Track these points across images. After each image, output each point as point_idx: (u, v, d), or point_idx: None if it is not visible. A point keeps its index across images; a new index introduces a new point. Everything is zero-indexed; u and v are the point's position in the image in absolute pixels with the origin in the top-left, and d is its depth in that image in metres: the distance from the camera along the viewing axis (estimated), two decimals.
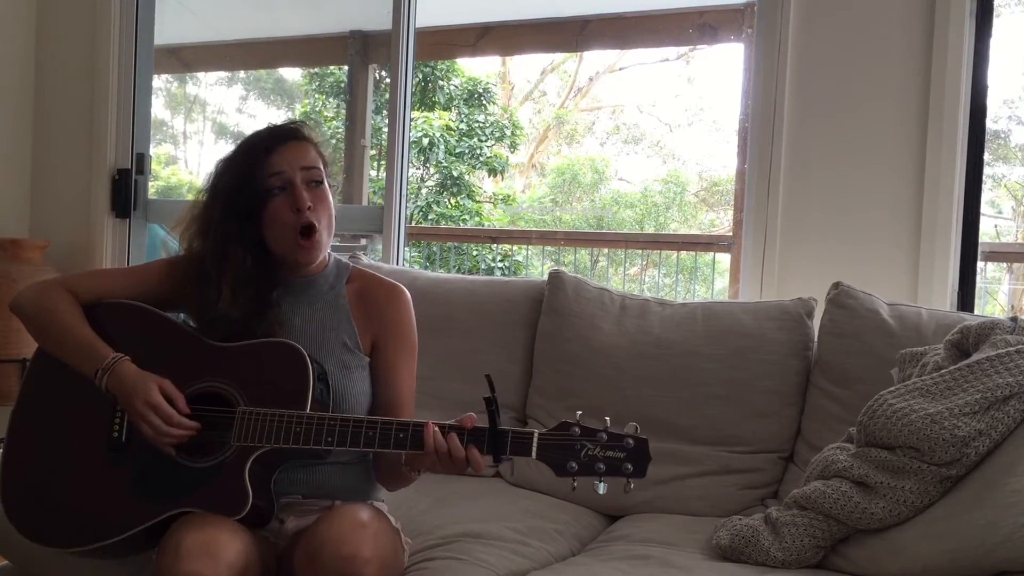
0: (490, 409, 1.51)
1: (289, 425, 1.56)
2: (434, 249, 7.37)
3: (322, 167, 1.73)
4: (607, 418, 1.50)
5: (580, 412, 1.51)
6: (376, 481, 1.79)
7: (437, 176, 8.57)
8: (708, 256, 7.23)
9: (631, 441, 1.47)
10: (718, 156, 9.64)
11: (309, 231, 1.68)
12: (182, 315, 1.80)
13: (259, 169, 1.68)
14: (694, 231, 9.25)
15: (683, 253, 6.63)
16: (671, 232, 9.02)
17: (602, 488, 1.48)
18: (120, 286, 1.78)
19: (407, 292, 1.82)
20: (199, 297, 1.71)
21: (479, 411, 2.38)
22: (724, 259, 6.18)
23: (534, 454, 1.48)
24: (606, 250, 7.28)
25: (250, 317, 1.68)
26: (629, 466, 1.46)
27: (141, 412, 1.59)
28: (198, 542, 1.47)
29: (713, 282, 7.43)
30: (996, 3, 2.48)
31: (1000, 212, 7.87)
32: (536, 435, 1.49)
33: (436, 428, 1.53)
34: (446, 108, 8.68)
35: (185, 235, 1.76)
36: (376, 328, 1.77)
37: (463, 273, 7.00)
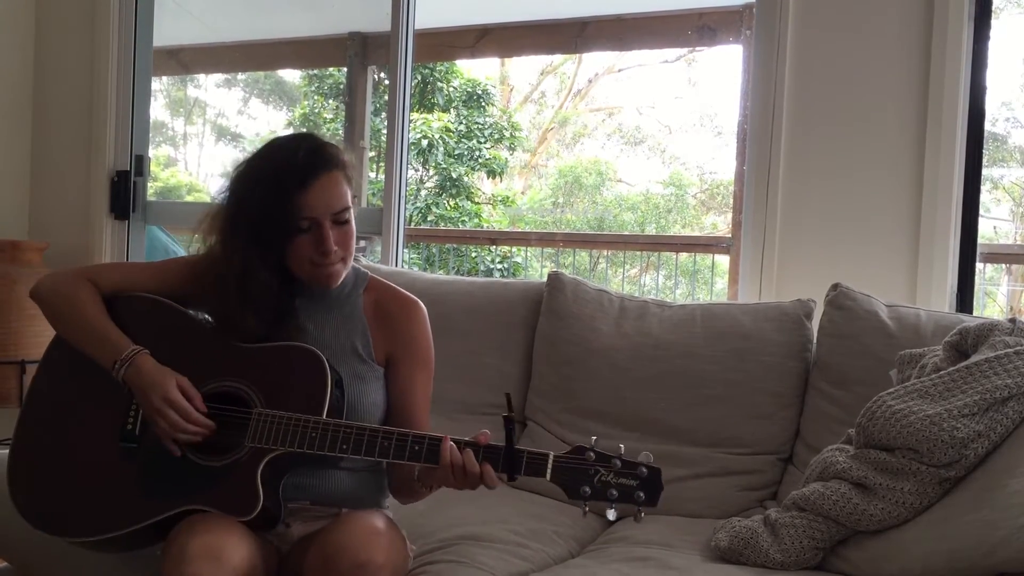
0: (508, 428, 1.52)
1: (305, 430, 1.56)
2: (433, 251, 7.36)
3: (350, 199, 1.68)
4: (621, 445, 1.52)
5: (595, 438, 1.53)
6: (390, 493, 1.79)
7: (436, 178, 8.57)
8: (708, 258, 7.23)
9: (645, 470, 1.48)
10: (719, 158, 9.65)
11: (330, 264, 1.66)
12: (202, 314, 1.79)
13: (289, 205, 1.61)
14: (695, 234, 9.25)
15: (682, 255, 6.63)
16: (671, 234, 9.02)
17: (612, 514, 1.49)
18: (141, 280, 1.78)
19: (423, 307, 1.81)
20: (219, 309, 1.70)
21: (479, 413, 2.39)
22: (724, 261, 6.18)
23: (548, 476, 1.49)
24: (606, 252, 7.28)
25: (270, 327, 1.68)
26: (641, 495, 1.47)
27: (158, 407, 1.58)
28: (204, 545, 1.47)
29: (712, 284, 7.43)
30: (995, 5, 2.48)
31: (989, 211, 7.88)
32: (551, 457, 1.50)
33: (452, 443, 1.53)
34: (445, 110, 8.68)
35: (205, 237, 1.73)
36: (392, 343, 1.77)
37: (462, 275, 7.00)
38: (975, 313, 2.47)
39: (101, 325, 1.68)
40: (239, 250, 1.66)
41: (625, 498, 1.47)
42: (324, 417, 1.58)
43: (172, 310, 1.75)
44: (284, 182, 1.62)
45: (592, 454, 1.49)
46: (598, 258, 7.60)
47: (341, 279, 1.71)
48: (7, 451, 1.76)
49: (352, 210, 1.69)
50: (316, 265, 1.66)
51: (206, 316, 1.77)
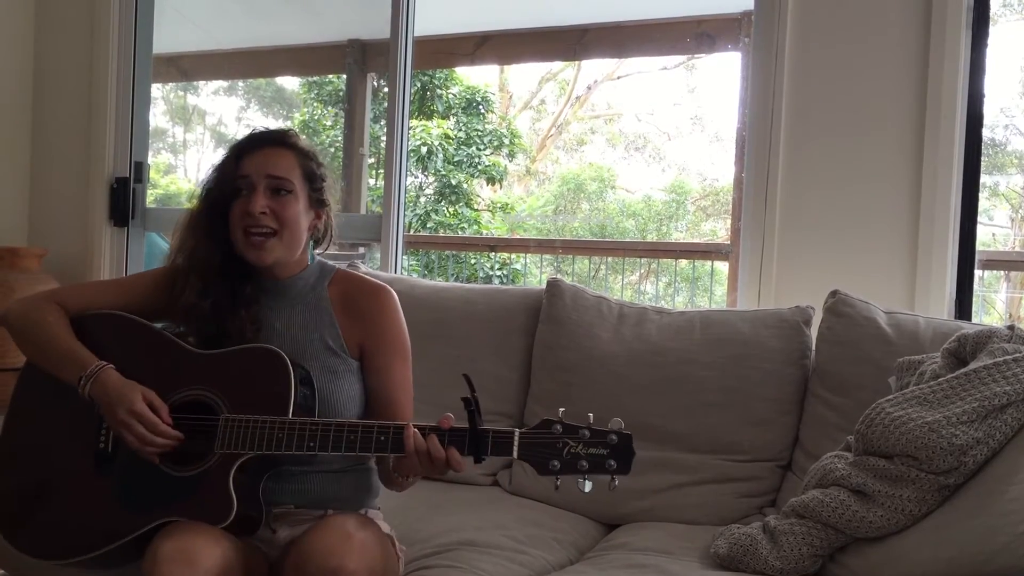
0: (469, 409, 1.49)
1: (271, 431, 1.56)
2: (432, 257, 7.36)
3: (299, 178, 1.72)
4: (590, 414, 1.48)
5: (563, 409, 1.49)
6: (384, 485, 1.78)
7: (435, 184, 8.58)
8: (707, 265, 7.23)
9: (614, 437, 1.45)
10: (718, 164, 9.66)
11: (257, 233, 1.69)
12: (167, 325, 1.80)
13: (231, 170, 1.72)
14: (696, 239, 9.25)
15: (682, 261, 6.63)
16: (670, 240, 9.02)
17: (587, 486, 1.45)
18: (107, 298, 1.79)
19: (392, 292, 1.80)
20: (174, 288, 1.73)
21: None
22: (723, 267, 6.18)
23: (515, 453, 1.47)
24: (608, 259, 7.27)
25: (222, 310, 1.69)
26: (612, 463, 1.44)
27: (124, 421, 1.59)
28: (175, 549, 1.47)
29: (712, 291, 7.43)
30: (992, 12, 2.48)
31: (992, 219, 7.88)
32: (517, 434, 1.48)
33: (416, 430, 1.52)
34: (444, 117, 8.69)
35: (176, 233, 1.79)
36: (363, 333, 1.76)
37: (461, 281, 6.99)
38: (974, 320, 2.47)
39: (66, 344, 1.69)
40: (194, 223, 1.74)
41: (596, 468, 1.44)
42: (290, 417, 1.57)
43: (137, 325, 1.76)
44: (231, 152, 1.74)
45: (559, 426, 1.46)
46: (599, 265, 7.60)
47: (272, 256, 1.70)
48: None
49: (298, 192, 1.71)
50: (246, 233, 1.68)
51: (170, 327, 1.78)
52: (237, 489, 1.56)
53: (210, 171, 1.78)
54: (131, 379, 1.64)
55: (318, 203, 1.77)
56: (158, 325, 1.78)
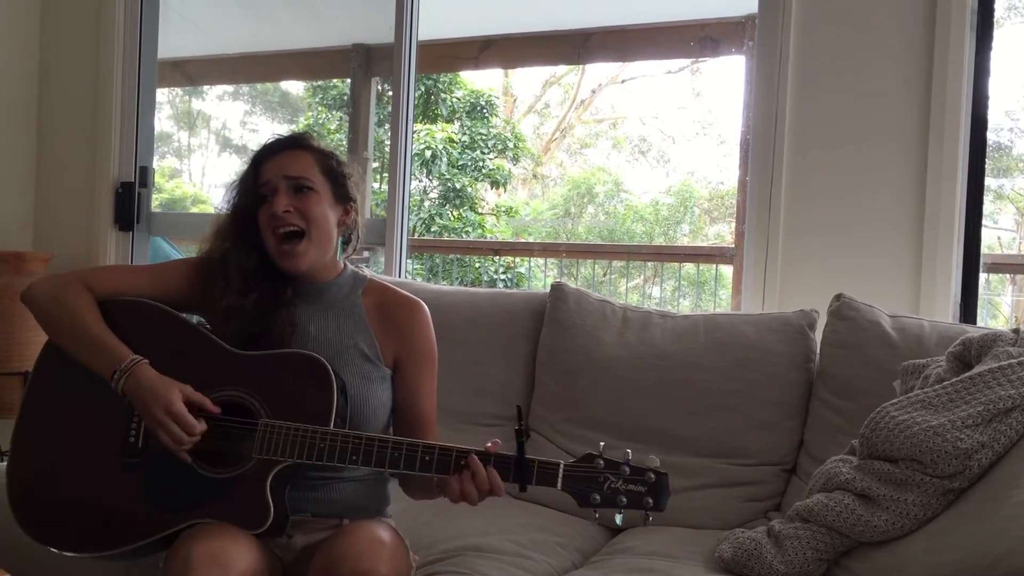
0: (519, 440, 1.53)
1: (313, 441, 1.55)
2: (436, 261, 7.37)
3: (319, 175, 1.73)
4: (628, 451, 1.53)
5: (603, 444, 1.54)
6: (403, 491, 1.78)
7: (440, 188, 8.58)
8: (713, 268, 7.23)
9: (652, 475, 1.50)
10: (725, 168, 9.65)
11: (288, 237, 1.69)
12: (197, 318, 1.78)
13: (253, 178, 1.72)
14: (701, 243, 9.24)
15: (687, 265, 6.62)
16: (675, 244, 9.01)
17: (620, 519, 1.50)
18: (138, 283, 1.75)
19: (425, 306, 1.81)
20: (212, 289, 1.71)
21: (482, 423, 2.39)
22: (728, 271, 6.18)
23: (559, 485, 1.51)
24: (614, 263, 7.27)
25: (263, 309, 1.68)
26: (650, 500, 1.49)
27: (160, 420, 1.56)
28: (208, 552, 1.47)
29: (716, 294, 7.43)
30: (996, 15, 2.48)
31: (997, 222, 7.87)
32: (562, 466, 1.51)
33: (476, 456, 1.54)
34: (449, 120, 8.70)
35: (207, 240, 1.78)
36: (397, 345, 1.77)
37: (465, 285, 7.00)
38: (979, 323, 2.47)
39: (98, 333, 1.65)
40: (226, 233, 1.74)
41: (634, 504, 1.49)
42: (331, 427, 1.57)
43: (171, 316, 1.72)
44: (252, 162, 1.75)
45: (601, 461, 1.51)
46: (606, 269, 7.60)
47: (306, 261, 1.70)
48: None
49: (320, 189, 1.72)
50: (277, 239, 1.68)
51: (203, 322, 1.77)
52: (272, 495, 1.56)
53: (232, 187, 1.78)
54: (164, 374, 1.61)
55: (344, 199, 1.77)
56: (194, 319, 1.76)
